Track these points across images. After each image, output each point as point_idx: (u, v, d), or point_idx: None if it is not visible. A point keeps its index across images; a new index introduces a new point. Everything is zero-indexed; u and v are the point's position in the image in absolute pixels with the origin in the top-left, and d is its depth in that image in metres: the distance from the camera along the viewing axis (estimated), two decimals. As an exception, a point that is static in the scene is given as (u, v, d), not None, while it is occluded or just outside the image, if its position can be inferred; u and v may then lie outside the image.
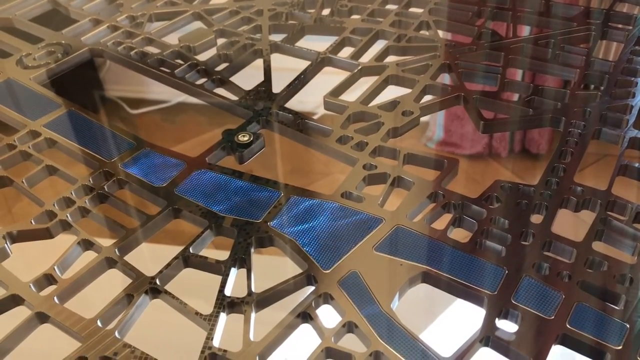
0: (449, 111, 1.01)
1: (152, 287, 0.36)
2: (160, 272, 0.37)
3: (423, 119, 0.47)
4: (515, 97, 0.51)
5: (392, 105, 0.49)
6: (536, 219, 0.39)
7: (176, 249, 0.38)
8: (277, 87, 0.53)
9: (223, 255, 0.38)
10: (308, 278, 0.37)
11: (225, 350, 0.33)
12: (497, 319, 0.34)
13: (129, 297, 0.36)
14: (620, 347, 0.32)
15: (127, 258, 0.38)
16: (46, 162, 0.45)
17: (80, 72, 0.59)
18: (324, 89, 0.51)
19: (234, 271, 0.37)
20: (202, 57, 0.57)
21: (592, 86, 0.51)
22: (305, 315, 0.34)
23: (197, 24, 0.63)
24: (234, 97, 0.52)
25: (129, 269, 0.37)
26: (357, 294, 0.35)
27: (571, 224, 0.42)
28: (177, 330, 0.36)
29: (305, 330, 0.34)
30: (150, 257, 0.41)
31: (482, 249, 0.38)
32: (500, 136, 1.08)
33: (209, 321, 0.34)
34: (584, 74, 0.52)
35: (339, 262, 0.37)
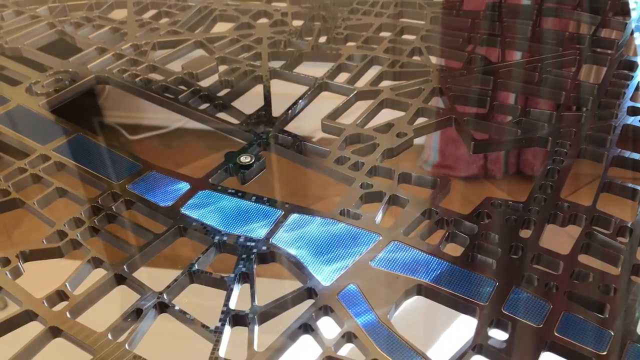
0: (444, 135, 1.03)
1: (160, 302, 0.38)
2: (168, 287, 0.39)
3: (419, 142, 0.49)
4: (508, 118, 0.53)
5: (387, 127, 0.52)
6: (525, 233, 0.41)
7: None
8: (277, 111, 0.55)
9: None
10: (308, 291, 0.38)
11: (230, 361, 0.34)
12: (488, 328, 0.35)
13: (138, 311, 0.37)
14: (604, 353, 0.34)
15: (134, 276, 0.40)
16: (56, 184, 0.47)
17: (79, 99, 0.61)
18: (322, 113, 0.54)
19: (237, 286, 0.39)
20: (205, 83, 0.59)
21: (578, 108, 0.54)
22: (306, 326, 0.36)
23: (200, 52, 0.66)
24: (236, 121, 0.54)
25: (138, 285, 0.39)
26: (355, 306, 0.37)
27: (559, 238, 0.44)
28: (185, 342, 0.37)
29: (306, 340, 0.36)
30: (157, 278, 0.42)
31: (474, 262, 0.40)
32: (495, 158, 1.10)
33: (215, 333, 0.36)
34: (569, 96, 0.54)
35: (338, 276, 0.39)
